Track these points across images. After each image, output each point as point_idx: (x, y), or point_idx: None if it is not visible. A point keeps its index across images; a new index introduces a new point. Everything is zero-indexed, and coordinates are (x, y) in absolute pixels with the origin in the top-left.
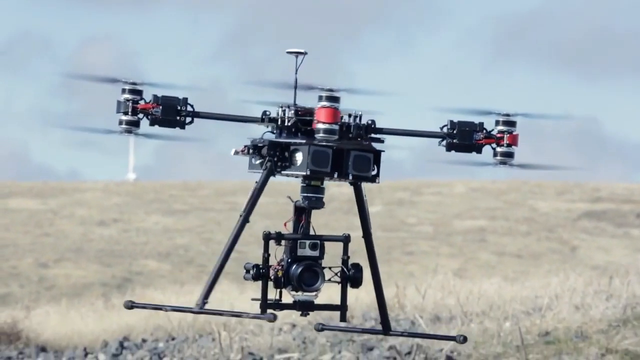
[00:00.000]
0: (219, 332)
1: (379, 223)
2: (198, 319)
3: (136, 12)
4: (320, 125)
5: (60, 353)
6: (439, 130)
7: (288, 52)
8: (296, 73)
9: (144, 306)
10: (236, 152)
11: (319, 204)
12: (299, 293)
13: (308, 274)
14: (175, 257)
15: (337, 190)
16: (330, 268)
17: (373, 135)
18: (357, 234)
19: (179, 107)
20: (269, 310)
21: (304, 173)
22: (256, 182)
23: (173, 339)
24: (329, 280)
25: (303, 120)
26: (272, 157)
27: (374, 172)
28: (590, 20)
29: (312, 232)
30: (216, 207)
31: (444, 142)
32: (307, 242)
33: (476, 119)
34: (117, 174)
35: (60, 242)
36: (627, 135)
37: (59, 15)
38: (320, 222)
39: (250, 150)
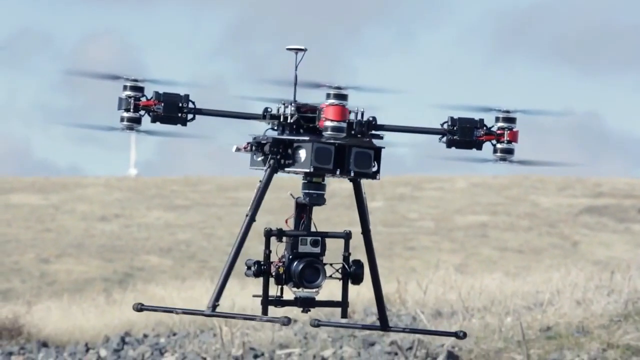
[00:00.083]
0: (220, 327)
1: (380, 218)
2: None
3: (137, 7)
4: (329, 123)
5: (62, 348)
6: (439, 126)
7: (288, 49)
8: (296, 70)
9: (154, 309)
10: (238, 149)
11: (320, 200)
12: (300, 290)
13: (309, 271)
14: (177, 253)
15: (339, 186)
16: (331, 264)
17: (373, 132)
18: (358, 230)
19: (180, 104)
20: (277, 311)
21: (308, 170)
22: (260, 181)
23: (174, 334)
24: (330, 276)
25: (305, 117)
26: (276, 154)
27: (374, 169)
28: (591, 15)
29: (313, 229)
30: (218, 202)
31: (445, 139)
32: (309, 238)
33: (476, 116)
34: (119, 169)
35: (62, 238)
36: (628, 130)
37: (60, 11)
38: (321, 217)
39: (253, 148)
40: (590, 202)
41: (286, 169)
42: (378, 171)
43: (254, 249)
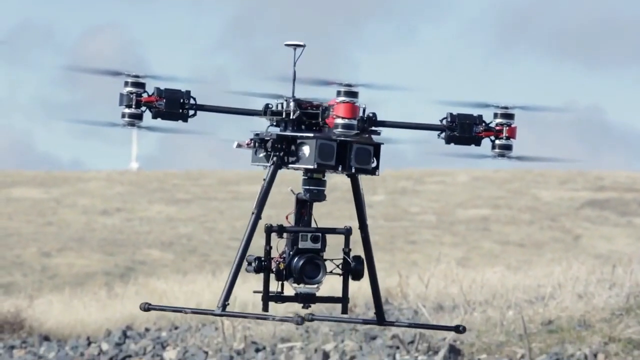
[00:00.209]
0: (222, 321)
1: (382, 212)
2: (200, 307)
3: (138, 1)
4: (339, 120)
5: (64, 342)
6: (438, 122)
7: (286, 45)
8: (294, 66)
9: (162, 308)
10: (239, 145)
11: (320, 196)
12: (301, 285)
13: (309, 267)
14: (178, 246)
15: (340, 180)
16: (332, 260)
17: (372, 128)
18: (357, 223)
19: (182, 100)
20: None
21: (312, 166)
22: (264, 179)
23: (176, 328)
24: (331, 272)
25: (306, 113)
26: (279, 150)
27: (374, 165)
28: (593, 9)
29: (313, 225)
30: (219, 196)
31: (444, 135)
32: (309, 234)
33: (474, 112)
34: (120, 163)
35: (63, 232)
36: (630, 123)
37: (61, 5)
38: (323, 211)
39: (257, 144)
40: (591, 195)
41: (289, 166)
42: (377, 167)
43: (255, 244)
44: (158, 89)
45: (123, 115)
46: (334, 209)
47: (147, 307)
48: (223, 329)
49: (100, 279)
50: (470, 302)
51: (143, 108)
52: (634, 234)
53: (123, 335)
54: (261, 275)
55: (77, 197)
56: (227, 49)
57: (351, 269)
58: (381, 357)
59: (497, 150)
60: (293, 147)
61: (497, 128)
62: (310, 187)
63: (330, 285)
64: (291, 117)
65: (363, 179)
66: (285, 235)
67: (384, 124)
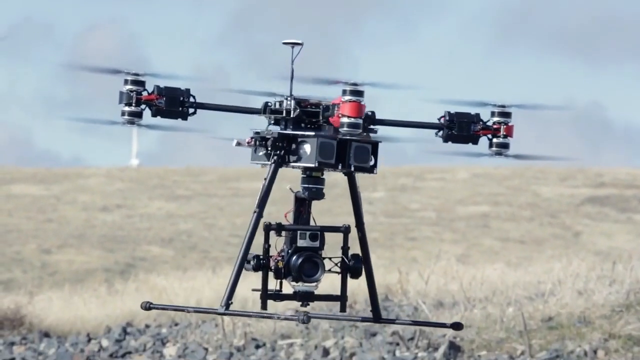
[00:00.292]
0: (222, 318)
1: (381, 209)
2: (201, 304)
3: None
4: (345, 120)
5: (64, 338)
6: (436, 121)
7: (284, 43)
8: (292, 64)
9: (163, 307)
10: (238, 144)
11: (319, 194)
12: (299, 284)
13: (308, 265)
14: (178, 243)
15: (340, 177)
16: (330, 258)
17: (370, 126)
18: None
19: (182, 99)
20: (298, 309)
21: (313, 165)
22: (265, 178)
23: (176, 324)
24: (329, 270)
25: (306, 112)
26: (280, 149)
27: (372, 163)
28: (593, 5)
29: (312, 223)
30: (219, 192)
31: (441, 133)
32: (308, 233)
33: (472, 110)
34: (121, 159)
35: (63, 228)
36: (631, 120)
37: (62, 1)
38: (324, 208)
39: (258, 142)
40: (591, 192)
41: (290, 164)
42: (375, 165)
43: (254, 241)
44: (158, 87)
45: (123, 114)
46: (334, 206)
47: (148, 306)
48: (223, 325)
49: (100, 276)
50: (470, 298)
51: (143, 106)
52: (634, 230)
53: (123, 332)
54: (260, 273)
55: (77, 194)
56: (227, 46)
57: (350, 267)
58: (381, 353)
59: (494, 148)
60: (294, 146)
61: (495, 127)
62: (309, 186)
63: (331, 282)
64: (291, 116)
65: (363, 175)
66: (284, 233)
67: (383, 122)
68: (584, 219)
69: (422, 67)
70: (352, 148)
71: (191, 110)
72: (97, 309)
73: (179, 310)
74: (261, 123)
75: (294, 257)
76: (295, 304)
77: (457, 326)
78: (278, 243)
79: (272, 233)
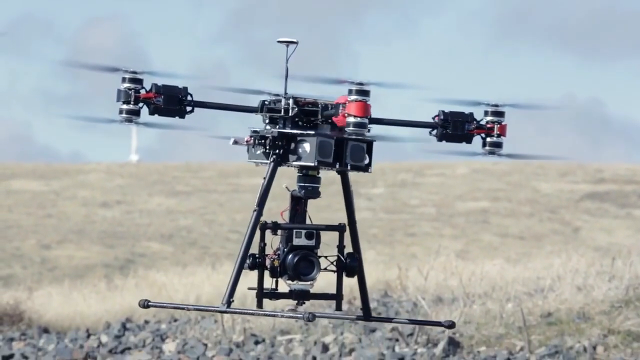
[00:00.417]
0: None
1: (381, 205)
2: (200, 300)
3: None
4: (351, 119)
5: (63, 334)
6: (431, 120)
7: (279, 42)
8: (287, 62)
9: (162, 305)
10: (235, 142)
11: (315, 193)
12: (295, 282)
13: (304, 264)
14: (178, 239)
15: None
16: (326, 257)
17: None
18: (358, 216)
19: (180, 97)
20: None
21: (312, 164)
22: (264, 177)
23: (175, 320)
24: (325, 269)
25: (304, 111)
26: (279, 148)
27: (366, 162)
28: (593, 1)
29: (308, 222)
30: (219, 188)
31: (436, 132)
32: (303, 231)
33: (465, 110)
34: (120, 155)
35: (63, 224)
36: (630, 116)
37: None
38: (322, 204)
39: (257, 141)
40: (591, 188)
41: (288, 163)
42: (370, 164)
43: (257, 240)
44: (156, 85)
45: (121, 112)
46: (333, 202)
47: (146, 305)
48: (222, 321)
49: (100, 271)
50: (469, 294)
51: (141, 104)
52: (633, 226)
53: (122, 328)
54: (255, 272)
55: (76, 190)
56: (227, 42)
57: (345, 266)
58: (380, 349)
59: (488, 147)
60: (293, 145)
61: (489, 126)
62: (305, 184)
63: (329, 281)
64: (290, 115)
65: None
66: (279, 232)
67: (378, 121)
68: (583, 214)
69: (421, 64)
70: (349, 147)
71: (189, 109)
72: (97, 305)
73: (178, 309)
74: (259, 121)
75: (290, 256)
76: (293, 302)
77: (450, 325)
78: (274, 242)
79: (267, 231)
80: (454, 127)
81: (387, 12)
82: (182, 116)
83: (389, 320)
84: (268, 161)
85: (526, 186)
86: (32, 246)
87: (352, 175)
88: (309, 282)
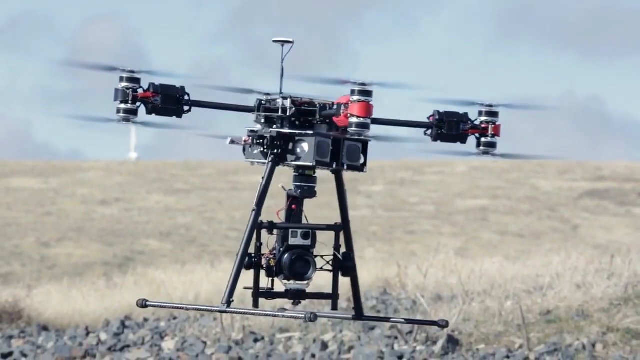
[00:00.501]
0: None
1: (380, 202)
2: (199, 298)
3: None
4: (354, 120)
5: (62, 332)
6: (426, 120)
7: (274, 41)
8: (282, 62)
9: (160, 305)
10: (232, 141)
11: (311, 193)
12: (291, 282)
13: (300, 263)
14: (177, 237)
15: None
16: (322, 256)
17: None
18: (357, 213)
19: (178, 96)
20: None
21: (311, 164)
22: (262, 177)
23: (175, 318)
24: (321, 268)
25: (302, 110)
26: (277, 148)
27: (362, 161)
28: None
29: (304, 221)
30: (218, 186)
31: (431, 132)
32: (299, 231)
33: (459, 109)
34: (119, 153)
35: (62, 222)
36: (630, 113)
37: None
38: (322, 202)
39: (255, 141)
40: (590, 185)
41: (286, 163)
42: (365, 164)
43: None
44: (153, 84)
45: (118, 111)
46: (333, 200)
47: (144, 304)
48: (222, 319)
49: (99, 269)
50: (468, 292)
51: (138, 104)
52: (632, 224)
53: (122, 326)
54: (251, 271)
55: (76, 187)
56: (226, 40)
57: (341, 265)
58: (379, 347)
59: (482, 148)
60: (291, 145)
61: (483, 126)
62: (302, 184)
63: (329, 280)
64: (288, 114)
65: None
66: (275, 231)
67: (376, 121)
68: (582, 212)
69: (421, 62)
70: (345, 147)
71: (186, 108)
72: (96, 303)
73: (176, 308)
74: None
75: (286, 256)
76: (289, 302)
77: (444, 325)
78: (270, 241)
79: (263, 231)
80: (449, 127)
81: (386, 11)
82: (179, 115)
83: (380, 319)
84: (265, 161)
85: (525, 184)
86: (31, 244)
87: (350, 174)
88: (305, 282)
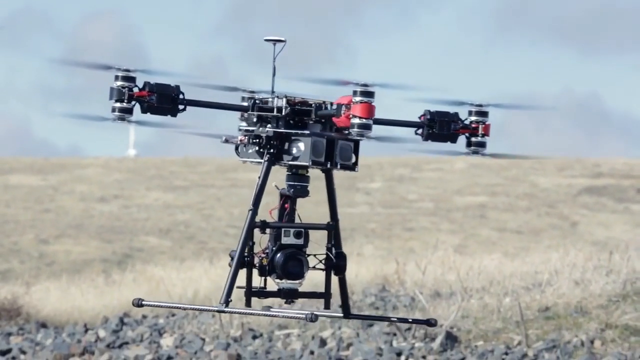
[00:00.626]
0: None
1: (379, 199)
2: (198, 295)
3: None
4: (356, 120)
5: (61, 329)
6: (417, 120)
7: (266, 40)
8: (274, 61)
9: (157, 305)
10: (226, 140)
11: (304, 192)
12: (283, 281)
13: (292, 262)
14: (176, 234)
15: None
16: (315, 255)
17: None
18: (355, 210)
19: (173, 95)
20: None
21: (307, 163)
22: (258, 177)
23: (173, 315)
24: (313, 267)
25: (296, 110)
26: (274, 147)
27: (353, 161)
28: None
29: (297, 220)
30: (217, 183)
31: (421, 132)
32: (292, 230)
33: (449, 109)
34: (118, 150)
35: (61, 219)
36: (629, 110)
37: None
38: (321, 200)
39: (251, 140)
40: (589, 182)
41: (282, 162)
42: (356, 163)
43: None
44: (149, 83)
45: (113, 110)
46: None
47: (140, 303)
48: (220, 316)
49: (98, 266)
50: (467, 289)
51: (133, 102)
52: (631, 220)
53: (120, 322)
54: (244, 270)
55: (74, 184)
56: (225, 36)
57: (334, 265)
58: (378, 344)
59: (472, 147)
60: (287, 144)
61: (474, 126)
62: (294, 183)
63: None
64: (283, 114)
65: (359, 165)
66: (268, 230)
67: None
68: (581, 209)
69: (420, 59)
70: (338, 146)
71: (181, 107)
72: (95, 300)
73: (174, 308)
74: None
75: (278, 255)
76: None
77: (432, 322)
78: (264, 240)
79: (256, 230)
80: (440, 127)
81: (385, 7)
82: (174, 114)
83: (366, 317)
84: (258, 160)
85: (524, 181)
86: (29, 241)
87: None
88: (297, 281)
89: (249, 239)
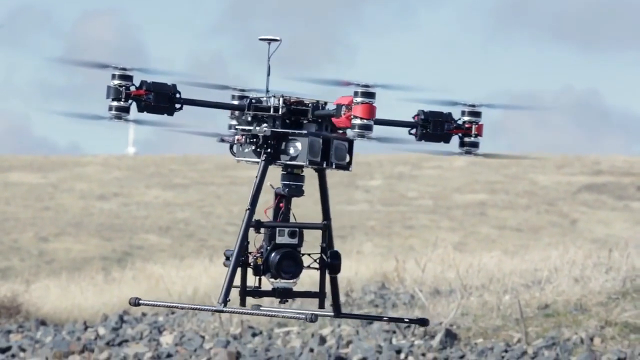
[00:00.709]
0: None
1: (379, 197)
2: (198, 293)
3: None
4: (357, 121)
5: (60, 327)
6: (411, 119)
7: (261, 39)
8: (269, 60)
9: (154, 304)
10: (222, 140)
11: (299, 192)
12: (278, 280)
13: (287, 262)
14: (176, 231)
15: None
16: (309, 255)
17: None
18: (355, 208)
19: (170, 94)
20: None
21: (304, 163)
22: (256, 177)
23: (173, 312)
24: (308, 267)
25: (293, 110)
26: (271, 147)
27: (347, 160)
28: None
29: (292, 220)
30: (216, 181)
31: (415, 131)
32: (286, 229)
33: (442, 109)
34: (117, 147)
35: (61, 216)
36: (628, 107)
37: None
38: (317, 198)
39: (248, 140)
40: (589, 180)
41: (279, 162)
42: (350, 162)
43: (251, 238)
44: (146, 82)
45: (110, 108)
46: (332, 194)
47: (137, 303)
48: (219, 314)
49: (98, 264)
50: (467, 286)
51: (130, 101)
52: (630, 218)
53: (120, 320)
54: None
55: (74, 182)
56: (225, 34)
57: (328, 264)
58: (377, 341)
59: (465, 147)
60: (283, 144)
61: (467, 126)
62: (289, 183)
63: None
64: (280, 113)
65: (359, 163)
66: (262, 230)
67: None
68: (581, 206)
69: (420, 56)
70: (333, 146)
71: (177, 106)
72: (94, 297)
73: (171, 307)
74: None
75: (273, 254)
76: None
77: (423, 322)
78: (257, 239)
79: (251, 229)
80: (434, 127)
81: (385, 5)
82: (170, 113)
83: (357, 317)
84: (255, 159)
85: (524, 178)
86: (29, 239)
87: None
88: (292, 281)
89: (246, 238)
